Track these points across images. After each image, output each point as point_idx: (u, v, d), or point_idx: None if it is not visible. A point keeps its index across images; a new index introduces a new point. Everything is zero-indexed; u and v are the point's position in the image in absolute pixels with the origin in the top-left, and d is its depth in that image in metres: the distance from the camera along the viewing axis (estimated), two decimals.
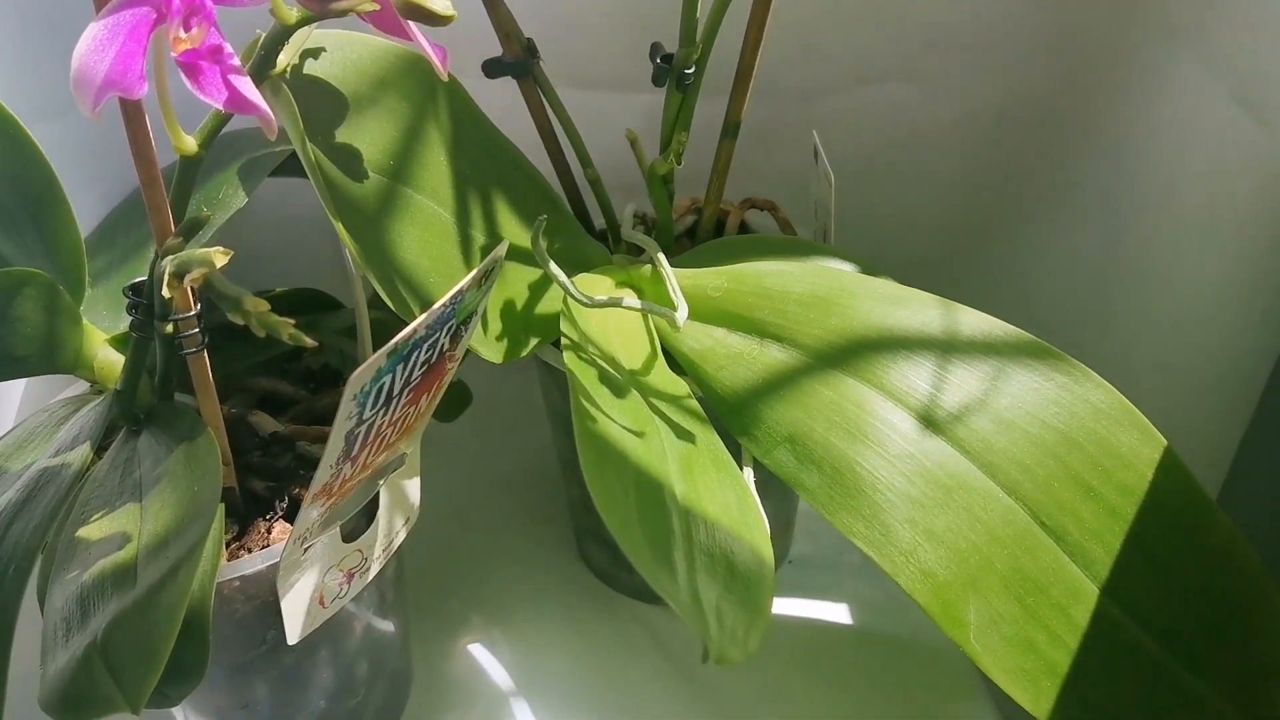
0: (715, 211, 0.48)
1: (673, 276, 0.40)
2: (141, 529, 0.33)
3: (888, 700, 0.48)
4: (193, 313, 0.33)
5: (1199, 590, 0.33)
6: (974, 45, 0.53)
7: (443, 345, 0.31)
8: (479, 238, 0.39)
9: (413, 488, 0.40)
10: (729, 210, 0.51)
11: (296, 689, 0.41)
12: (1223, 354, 0.48)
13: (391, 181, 0.37)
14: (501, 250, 0.31)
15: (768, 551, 0.32)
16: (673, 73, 0.41)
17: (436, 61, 0.31)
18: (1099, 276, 0.54)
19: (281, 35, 0.30)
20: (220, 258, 0.28)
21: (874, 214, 0.53)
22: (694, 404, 0.38)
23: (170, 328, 0.33)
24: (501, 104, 0.43)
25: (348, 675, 0.43)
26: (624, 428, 0.34)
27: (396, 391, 0.30)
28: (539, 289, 0.41)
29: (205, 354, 0.34)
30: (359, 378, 0.27)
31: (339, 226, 0.34)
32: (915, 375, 0.35)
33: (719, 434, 0.37)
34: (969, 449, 0.34)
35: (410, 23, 0.29)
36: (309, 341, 0.27)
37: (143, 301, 0.33)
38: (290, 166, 0.41)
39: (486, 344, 0.38)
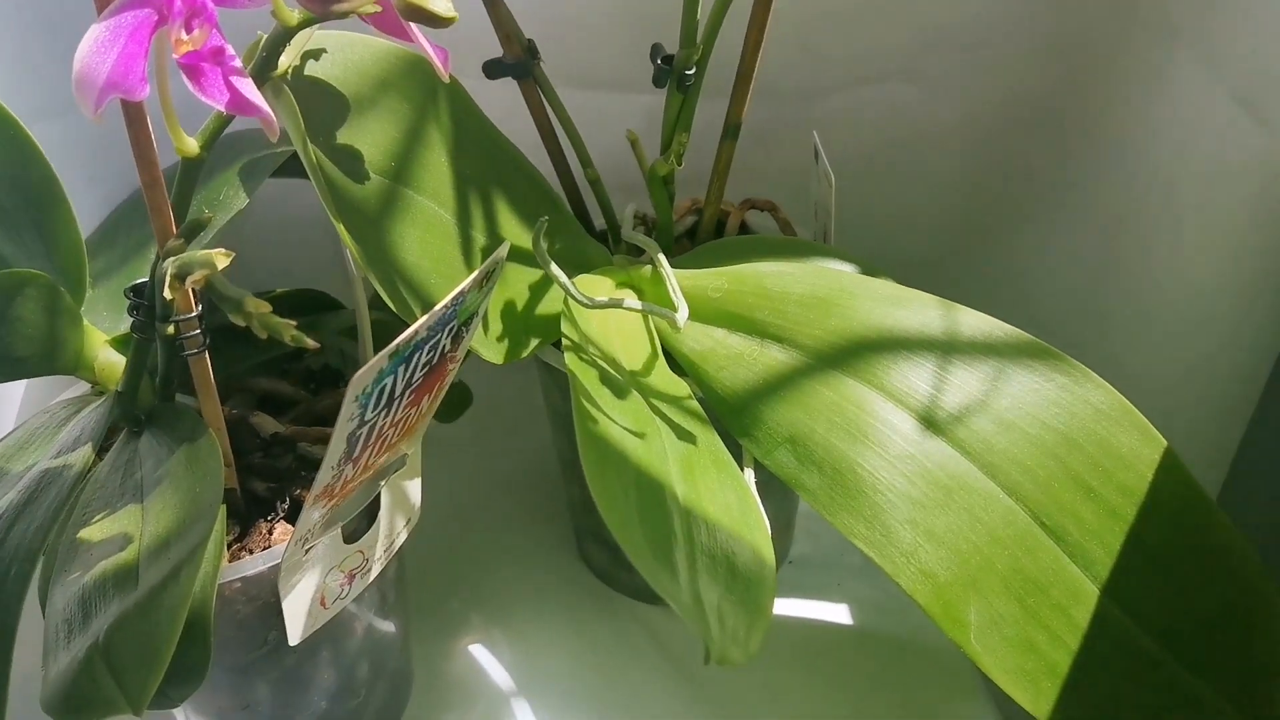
0: (716, 212, 0.48)
1: (673, 277, 0.40)
2: (143, 530, 0.33)
3: (888, 700, 0.48)
4: (194, 314, 0.33)
5: (1199, 590, 0.33)
6: (974, 45, 0.53)
7: (444, 346, 0.31)
8: (480, 239, 0.39)
9: (414, 489, 0.40)
10: (729, 211, 0.51)
11: (298, 690, 0.41)
12: (1222, 354, 0.48)
13: (392, 183, 0.37)
14: (503, 251, 0.31)
15: (769, 552, 0.32)
16: (673, 74, 0.41)
17: (438, 63, 0.31)
18: (1099, 277, 0.54)
19: (283, 37, 0.30)
20: (222, 259, 0.28)
21: (874, 214, 0.53)
22: (694, 405, 0.38)
23: (172, 329, 0.33)
24: (502, 105, 0.43)
25: (349, 676, 0.43)
26: (625, 429, 0.34)
27: (398, 393, 0.30)
28: (539, 290, 0.41)
29: (206, 355, 0.34)
30: (361, 379, 0.27)
31: (340, 228, 0.34)
32: (916, 376, 0.35)
33: (719, 435, 0.37)
34: (969, 450, 0.34)
35: (411, 24, 0.29)
36: (311, 343, 0.27)
37: (144, 303, 0.33)
38: (291, 167, 0.41)
39: (487, 345, 0.38)
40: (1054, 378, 0.35)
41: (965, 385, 0.35)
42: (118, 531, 0.33)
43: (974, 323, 0.36)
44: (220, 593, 0.35)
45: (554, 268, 0.38)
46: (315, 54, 0.36)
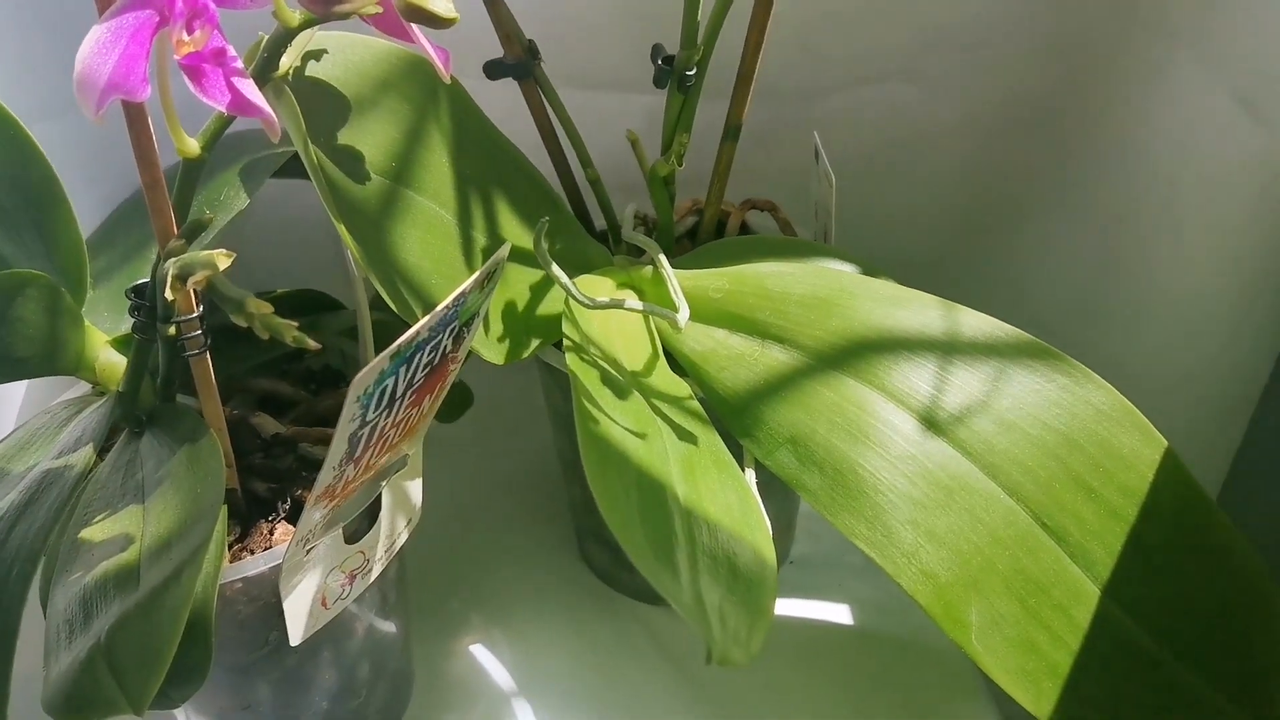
0: (716, 212, 0.48)
1: (674, 278, 0.40)
2: (144, 530, 0.33)
3: (889, 700, 0.48)
4: (195, 315, 0.33)
5: (1200, 590, 0.33)
6: (974, 45, 0.53)
7: (445, 347, 0.31)
8: (480, 239, 0.39)
9: (415, 489, 0.40)
10: (729, 211, 0.51)
11: (299, 690, 0.41)
12: (1223, 354, 0.48)
13: (393, 183, 0.37)
14: (504, 252, 0.31)
15: (770, 553, 0.32)
16: (674, 74, 0.41)
17: (439, 64, 0.31)
18: (1099, 277, 0.54)
19: (284, 37, 0.30)
20: (223, 260, 0.28)
21: (874, 215, 0.53)
22: (695, 405, 0.38)
23: (173, 330, 0.33)
24: (502, 105, 0.43)
25: (350, 676, 0.43)
26: (626, 429, 0.34)
27: (399, 393, 0.30)
28: (540, 290, 0.41)
29: (208, 355, 0.34)
30: (362, 380, 0.27)
31: (342, 229, 0.34)
32: (917, 376, 0.35)
33: (720, 435, 0.37)
34: (970, 450, 0.34)
35: (413, 25, 0.29)
36: (313, 344, 0.27)
37: (145, 303, 0.33)
38: (291, 168, 0.41)
39: (488, 345, 0.38)
40: (1055, 378, 0.35)
41: (966, 386, 0.35)
42: (119, 532, 0.33)
43: (975, 323, 0.36)
44: (221, 593, 0.34)
45: (555, 268, 0.38)
46: (316, 55, 0.36)
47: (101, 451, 0.37)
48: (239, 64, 0.27)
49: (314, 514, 0.32)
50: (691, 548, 0.31)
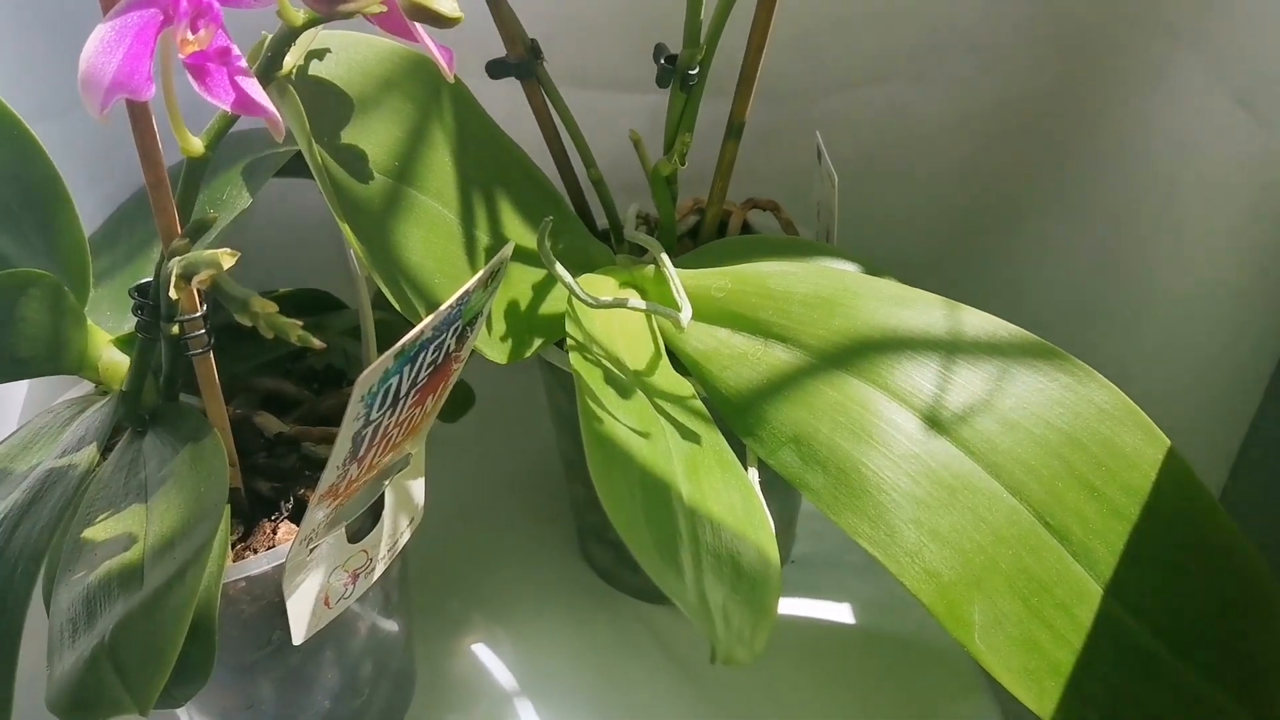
0: (718, 212, 0.48)
1: (676, 277, 0.40)
2: (148, 530, 0.33)
3: (890, 699, 0.48)
4: (199, 314, 0.33)
5: (1202, 589, 0.33)
6: (975, 46, 0.53)
7: (449, 346, 0.31)
8: (483, 238, 0.39)
9: (417, 488, 0.40)
10: (731, 210, 0.51)
11: (301, 689, 0.41)
12: (1224, 354, 0.48)
13: (396, 183, 0.37)
14: (507, 251, 0.31)
15: (773, 552, 0.32)
16: (677, 74, 0.41)
17: (443, 63, 0.31)
18: (1099, 277, 0.54)
19: (288, 37, 0.30)
20: (227, 259, 0.28)
21: (875, 214, 0.53)
22: (698, 404, 0.38)
23: (176, 329, 0.33)
24: (505, 105, 0.43)
25: (352, 675, 0.43)
26: (630, 429, 0.34)
27: (403, 392, 0.30)
28: (542, 289, 0.41)
29: (211, 355, 0.34)
30: (367, 379, 0.27)
31: (345, 228, 0.34)
32: (920, 376, 0.35)
33: (723, 434, 0.37)
34: (973, 449, 0.34)
35: (417, 24, 0.29)
36: (318, 343, 0.27)
37: (149, 302, 0.33)
38: (293, 167, 0.41)
39: (491, 345, 0.38)
40: (1058, 377, 0.35)
41: (969, 385, 0.35)
42: (122, 531, 0.33)
43: (978, 322, 0.36)
44: (225, 592, 0.35)
45: (559, 268, 0.38)
46: (319, 54, 0.36)
47: (104, 451, 0.37)
48: (243, 63, 0.27)
49: (317, 513, 0.32)
50: (695, 547, 0.31)
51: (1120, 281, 0.53)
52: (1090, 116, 0.54)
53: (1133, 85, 0.51)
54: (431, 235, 0.37)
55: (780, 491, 0.47)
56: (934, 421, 0.35)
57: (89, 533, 0.33)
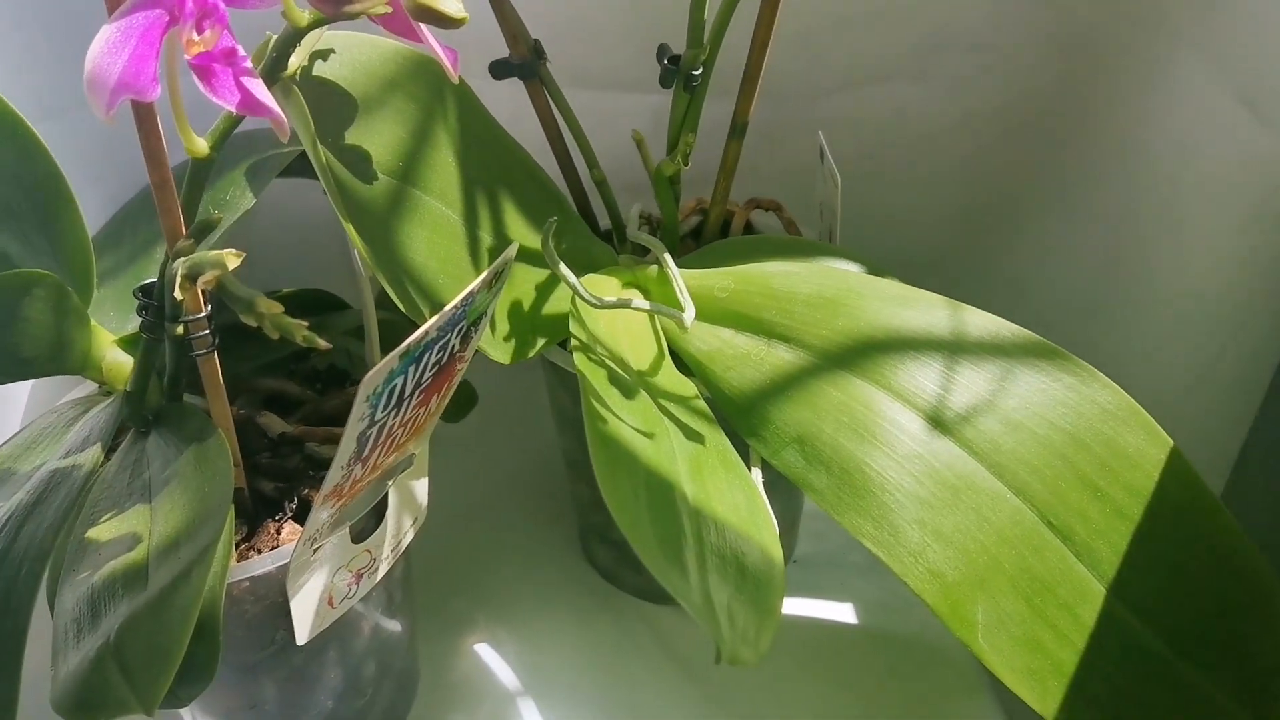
0: (721, 212, 0.48)
1: (679, 277, 0.40)
2: (152, 530, 0.33)
3: (892, 699, 0.48)
4: (203, 314, 0.33)
5: (1204, 590, 0.33)
6: (978, 46, 0.53)
7: (453, 346, 0.31)
8: (486, 239, 0.39)
9: (421, 488, 0.40)
10: (734, 211, 0.51)
11: (304, 689, 0.41)
12: (1226, 354, 0.48)
13: (400, 183, 0.37)
14: (511, 252, 0.31)
15: (777, 552, 0.32)
16: (680, 74, 0.41)
17: (448, 64, 0.31)
18: (1102, 276, 0.54)
19: (293, 37, 0.30)
20: (233, 260, 0.28)
21: (876, 214, 0.53)
22: (702, 405, 0.38)
23: (181, 329, 0.33)
24: (508, 105, 0.43)
25: (355, 675, 0.43)
26: (634, 429, 0.34)
27: (408, 393, 0.30)
28: (546, 290, 0.41)
29: (215, 355, 0.34)
30: (372, 379, 0.27)
31: (350, 229, 0.34)
32: (923, 376, 0.35)
33: (727, 434, 0.37)
34: (977, 450, 0.34)
35: (421, 25, 0.29)
36: (323, 343, 0.27)
37: (153, 303, 0.33)
38: (295, 167, 0.41)
39: (495, 345, 0.38)
40: (1061, 378, 0.35)
41: (973, 385, 0.35)
42: (126, 531, 0.33)
43: (981, 323, 0.36)
44: (229, 592, 0.35)
45: (564, 268, 0.38)
46: (323, 54, 0.36)
47: (108, 451, 0.37)
48: (248, 64, 0.27)
49: (321, 513, 0.32)
50: (700, 547, 0.31)
51: (1122, 281, 0.53)
52: (1092, 116, 0.54)
53: (1135, 84, 0.51)
54: (435, 235, 0.37)
55: (783, 492, 0.48)
56: (937, 422, 0.35)
57: (93, 533, 0.33)
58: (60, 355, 0.37)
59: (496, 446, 0.61)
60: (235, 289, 0.28)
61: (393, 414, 0.30)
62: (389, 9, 0.28)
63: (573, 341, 0.37)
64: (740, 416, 0.36)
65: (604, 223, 0.48)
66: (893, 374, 0.36)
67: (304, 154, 0.38)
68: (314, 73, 0.36)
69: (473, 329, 0.31)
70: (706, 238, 0.49)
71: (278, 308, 0.27)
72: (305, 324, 0.27)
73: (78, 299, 0.37)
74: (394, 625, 0.44)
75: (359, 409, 0.28)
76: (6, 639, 0.31)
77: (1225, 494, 0.50)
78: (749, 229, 0.51)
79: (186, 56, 0.26)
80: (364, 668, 0.43)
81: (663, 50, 0.42)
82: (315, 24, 0.29)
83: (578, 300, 0.38)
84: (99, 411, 0.38)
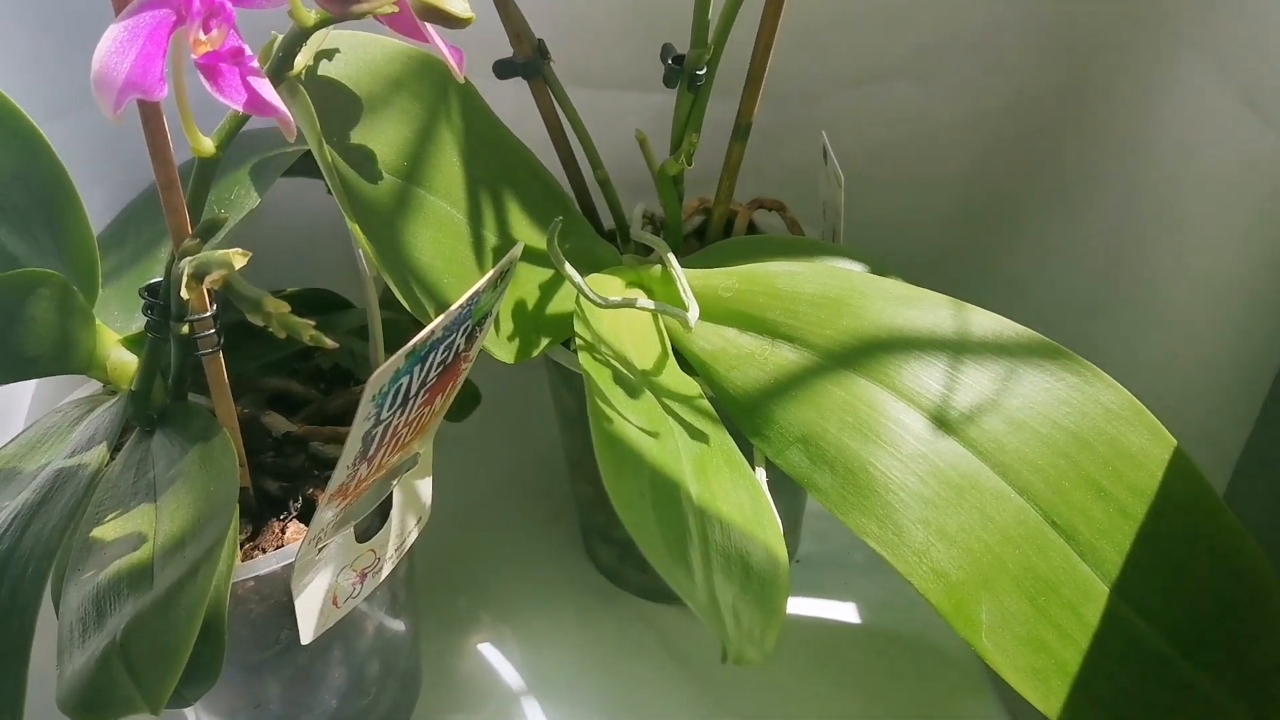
0: (725, 212, 0.48)
1: (683, 277, 0.40)
2: (157, 529, 0.33)
3: (895, 698, 0.48)
4: (209, 313, 0.33)
5: (1208, 589, 0.33)
6: (981, 45, 0.53)
7: (458, 346, 0.31)
8: (491, 238, 0.39)
9: (425, 487, 0.40)
10: (737, 210, 0.51)
11: (308, 688, 0.41)
12: (1229, 354, 0.48)
13: (405, 183, 0.37)
14: (516, 252, 0.31)
15: (782, 552, 0.32)
16: (684, 74, 0.41)
17: (453, 64, 0.31)
18: (1105, 276, 0.54)
19: (299, 37, 0.30)
20: (239, 259, 0.28)
21: (879, 214, 0.53)
22: (706, 404, 0.38)
23: (186, 329, 0.33)
24: (512, 105, 0.43)
25: (359, 674, 0.43)
26: (639, 429, 0.34)
27: (413, 392, 0.30)
28: (549, 289, 0.41)
29: (221, 354, 0.34)
30: (378, 379, 0.27)
31: (355, 228, 0.34)
32: (927, 375, 0.35)
33: (731, 434, 0.37)
34: (981, 449, 0.34)
35: (427, 25, 0.29)
36: (329, 343, 0.27)
37: (159, 302, 0.33)
38: (299, 167, 0.41)
39: (499, 344, 0.38)
40: (1065, 377, 0.35)
41: (977, 385, 0.35)
42: (131, 530, 0.33)
43: (985, 322, 0.36)
44: (233, 591, 0.35)
45: (569, 268, 0.38)
46: (328, 54, 0.36)
47: (113, 450, 0.37)
48: (255, 63, 0.27)
49: (326, 513, 0.32)
50: (705, 547, 0.31)
51: (1124, 281, 0.53)
52: (1095, 116, 0.54)
53: (1138, 85, 0.51)
54: (440, 235, 0.37)
55: (786, 491, 0.47)
56: (941, 421, 0.35)
57: (98, 532, 0.33)
58: (65, 354, 0.37)
59: (499, 445, 0.61)
60: (242, 288, 0.28)
61: (398, 413, 0.30)
62: (395, 9, 0.28)
63: (577, 341, 0.37)
64: (744, 416, 0.36)
65: (607, 222, 0.48)
66: (897, 373, 0.36)
67: (309, 153, 0.38)
68: (319, 72, 0.36)
69: (478, 328, 0.31)
70: (710, 237, 0.49)
71: (285, 307, 0.27)
72: (312, 323, 0.27)
73: (83, 298, 0.37)
74: (398, 624, 0.44)
75: (365, 408, 0.28)
76: (13, 638, 0.31)
77: (1227, 494, 0.50)
78: (752, 229, 0.51)
79: (193, 56, 0.26)
80: (368, 667, 0.43)
81: (667, 50, 0.42)
82: (322, 23, 0.29)
83: (582, 300, 0.38)
84: (104, 411, 0.38)
